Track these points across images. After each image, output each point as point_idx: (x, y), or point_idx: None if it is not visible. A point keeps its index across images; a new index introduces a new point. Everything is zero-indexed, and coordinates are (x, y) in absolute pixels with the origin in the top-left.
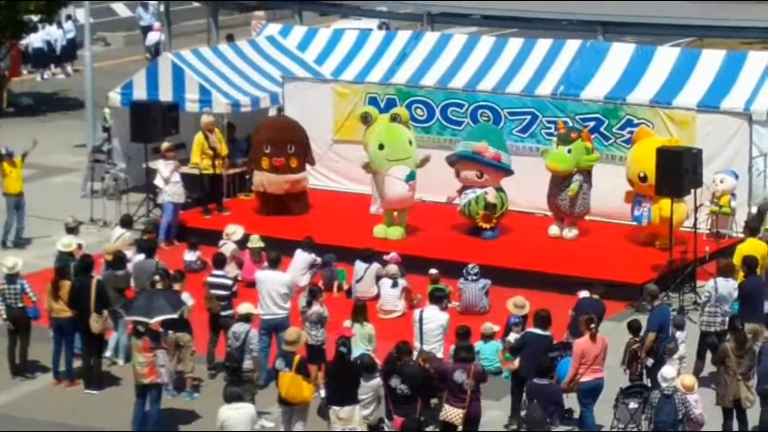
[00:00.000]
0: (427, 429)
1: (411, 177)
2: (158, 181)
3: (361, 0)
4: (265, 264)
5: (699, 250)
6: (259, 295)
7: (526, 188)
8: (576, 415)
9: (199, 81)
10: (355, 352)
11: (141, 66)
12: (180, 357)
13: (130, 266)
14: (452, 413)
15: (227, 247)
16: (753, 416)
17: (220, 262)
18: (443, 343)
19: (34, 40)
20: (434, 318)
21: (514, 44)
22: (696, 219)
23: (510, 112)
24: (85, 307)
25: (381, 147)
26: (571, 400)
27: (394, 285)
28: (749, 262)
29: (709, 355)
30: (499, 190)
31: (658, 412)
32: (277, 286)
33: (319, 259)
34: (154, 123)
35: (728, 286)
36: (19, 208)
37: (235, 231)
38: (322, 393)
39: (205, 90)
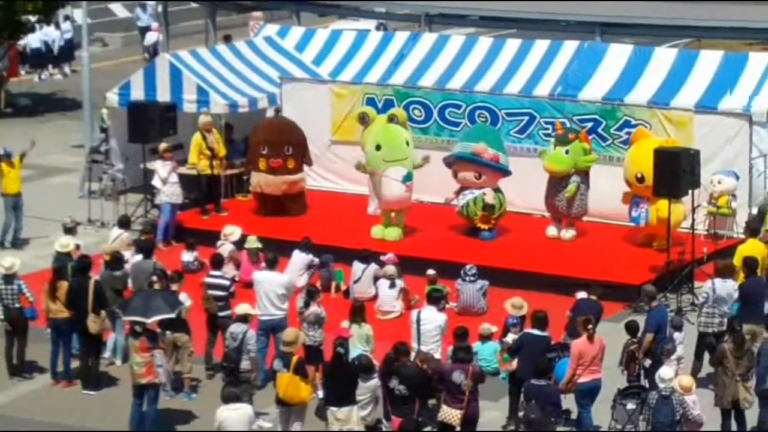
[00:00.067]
0: (425, 430)
1: (408, 178)
2: (156, 182)
3: (359, 0)
4: (263, 265)
5: (697, 251)
6: (256, 295)
7: (524, 189)
8: (574, 416)
9: (197, 82)
10: (353, 353)
11: (139, 66)
12: (178, 357)
13: (127, 267)
14: (450, 414)
15: (225, 248)
16: (751, 417)
17: (217, 262)
18: (441, 343)
19: (32, 41)
20: (432, 319)
21: (512, 45)
22: (694, 220)
23: (507, 113)
24: (83, 308)
25: (378, 148)
26: (568, 401)
27: (392, 286)
28: (750, 263)
29: (706, 356)
30: (497, 191)
31: (655, 413)
32: (274, 287)
33: (316, 260)
34: (152, 123)
35: (726, 287)
36: (18, 209)
37: (232, 232)
38: (320, 394)
39: (202, 90)
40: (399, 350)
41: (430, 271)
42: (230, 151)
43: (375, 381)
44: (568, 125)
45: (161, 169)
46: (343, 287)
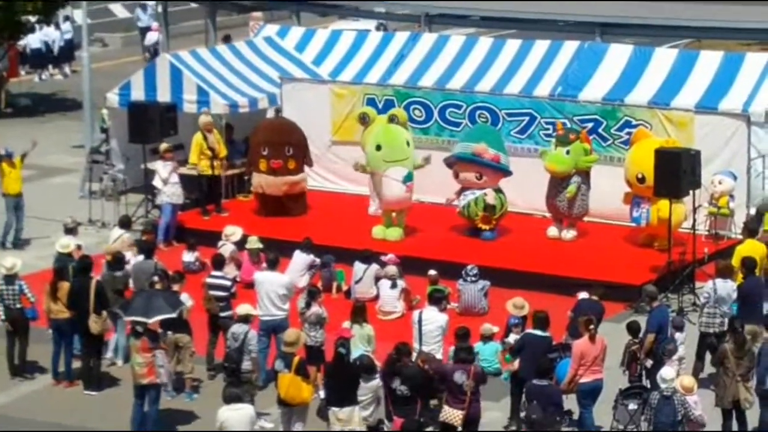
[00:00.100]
0: (427, 430)
1: (408, 178)
2: (157, 182)
3: (359, 0)
4: (264, 265)
5: (698, 251)
6: (257, 296)
7: (525, 189)
8: (575, 417)
9: (197, 82)
10: (355, 353)
11: (139, 67)
12: (179, 358)
13: (128, 267)
14: (452, 414)
15: (226, 248)
16: (752, 417)
17: (218, 263)
18: (442, 344)
19: (32, 41)
20: (433, 319)
21: (512, 45)
22: (695, 220)
23: (508, 113)
24: (84, 308)
25: (378, 148)
26: (570, 402)
27: (393, 286)
28: (748, 264)
29: (708, 356)
30: (498, 191)
31: (657, 413)
32: (275, 287)
33: (318, 260)
34: (152, 124)
35: (727, 288)
36: (19, 209)
37: (233, 232)
38: (322, 394)
39: (203, 91)
40: (401, 351)
41: (432, 272)
42: (231, 151)
43: (376, 381)
44: (569, 125)
45: (162, 169)
46: (345, 288)
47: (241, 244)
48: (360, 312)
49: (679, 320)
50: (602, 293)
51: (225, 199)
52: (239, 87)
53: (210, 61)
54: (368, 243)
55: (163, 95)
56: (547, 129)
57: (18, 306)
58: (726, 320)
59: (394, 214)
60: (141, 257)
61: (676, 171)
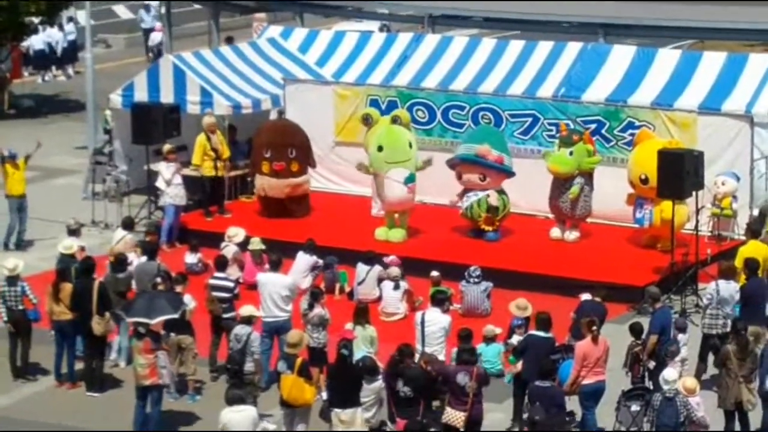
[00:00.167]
0: (430, 431)
1: (410, 179)
2: (160, 183)
3: (362, 1)
4: (267, 266)
5: (701, 252)
6: (260, 297)
7: (528, 191)
8: (578, 418)
9: (200, 83)
10: (357, 355)
11: (142, 68)
12: (182, 359)
13: (131, 269)
14: (454, 416)
15: (229, 250)
16: (755, 419)
17: (221, 264)
18: (445, 345)
19: (35, 42)
20: (436, 320)
21: (516, 46)
22: (697, 221)
23: (511, 115)
24: (87, 310)
25: (380, 149)
26: (572, 403)
27: (396, 287)
28: (751, 265)
29: (711, 358)
30: (501, 192)
31: (659, 415)
32: (278, 289)
33: (320, 262)
34: (156, 125)
35: (730, 289)
36: (22, 210)
37: (236, 233)
38: (324, 395)
39: (206, 92)
40: (403, 352)
41: (434, 273)
42: (234, 152)
43: (379, 383)
44: (572, 127)
45: (165, 170)
46: (347, 289)
47: (244, 246)
48: (363, 313)
49: (681, 321)
50: (605, 294)
51: (228, 201)
52: (242, 88)
53: (213, 62)
54: (371, 244)
55: (166, 96)
56: (551, 130)
57: (20, 307)
58: (729, 322)
59: (396, 216)
60: (144, 258)
61: (679, 172)
